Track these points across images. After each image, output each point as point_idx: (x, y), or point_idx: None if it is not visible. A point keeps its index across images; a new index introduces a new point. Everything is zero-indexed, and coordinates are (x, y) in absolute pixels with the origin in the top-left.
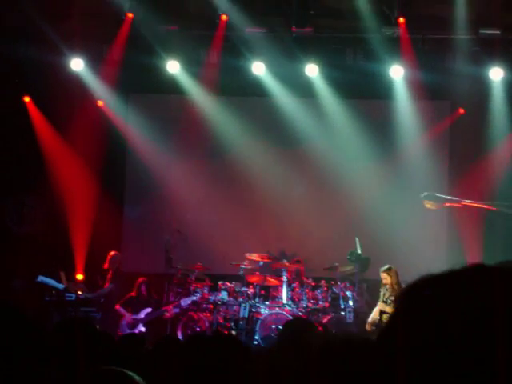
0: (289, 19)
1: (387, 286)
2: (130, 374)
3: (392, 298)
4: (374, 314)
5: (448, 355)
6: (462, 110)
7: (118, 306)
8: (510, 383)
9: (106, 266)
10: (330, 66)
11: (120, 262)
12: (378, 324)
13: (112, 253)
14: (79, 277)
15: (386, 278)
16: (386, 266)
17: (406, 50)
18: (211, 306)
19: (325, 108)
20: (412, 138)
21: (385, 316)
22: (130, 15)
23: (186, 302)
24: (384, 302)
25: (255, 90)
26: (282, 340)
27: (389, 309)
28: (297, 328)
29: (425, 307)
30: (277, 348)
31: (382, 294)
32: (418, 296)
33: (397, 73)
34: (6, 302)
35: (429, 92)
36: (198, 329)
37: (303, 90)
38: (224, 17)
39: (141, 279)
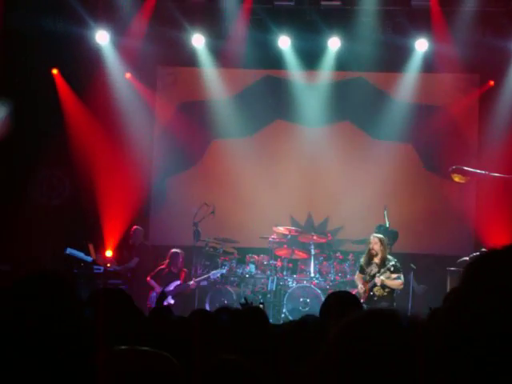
0: None
1: (375, 255)
2: (166, 355)
3: (382, 269)
4: (361, 290)
5: None
6: (492, 83)
7: (148, 278)
8: None
9: (130, 241)
10: (355, 39)
11: (143, 235)
12: (371, 297)
13: (134, 227)
14: (108, 253)
15: (376, 243)
16: (380, 235)
17: (437, 23)
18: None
19: (350, 81)
20: (442, 111)
21: (377, 288)
22: None
23: (215, 274)
24: (374, 274)
25: (280, 63)
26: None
27: (387, 281)
28: (341, 300)
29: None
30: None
31: (370, 266)
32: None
33: (423, 46)
34: (54, 273)
35: (458, 65)
36: (226, 301)
37: (328, 63)
38: None
39: (172, 251)
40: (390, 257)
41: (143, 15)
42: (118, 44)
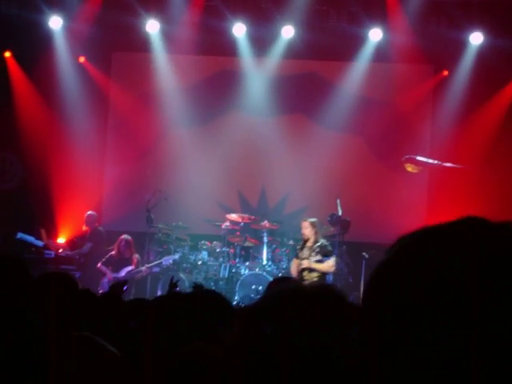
0: None
1: (307, 240)
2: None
3: (313, 253)
4: (295, 273)
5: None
6: (446, 72)
7: (99, 265)
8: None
9: (83, 226)
10: (310, 27)
11: (97, 221)
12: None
13: (88, 212)
14: (61, 239)
15: (306, 228)
16: (313, 218)
17: (391, 13)
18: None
19: (304, 71)
20: (394, 100)
21: (306, 273)
22: None
23: (167, 260)
24: (304, 258)
25: (234, 50)
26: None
27: (313, 264)
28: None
29: (422, 259)
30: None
31: (303, 250)
32: (414, 247)
33: (377, 36)
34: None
35: (412, 56)
36: (178, 288)
37: (282, 51)
38: None
39: (122, 237)
40: (322, 240)
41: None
42: (71, 29)
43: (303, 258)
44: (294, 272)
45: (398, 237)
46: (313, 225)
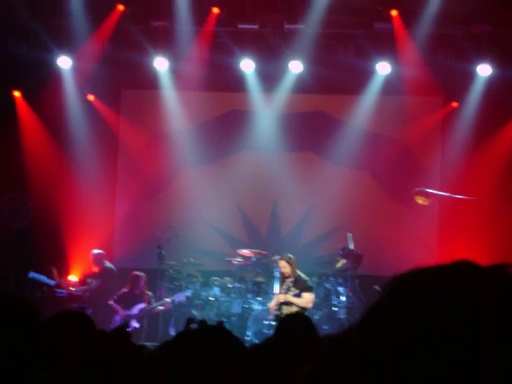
0: (281, 15)
1: (288, 277)
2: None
3: (292, 288)
4: (273, 307)
5: (436, 350)
6: (455, 104)
7: (111, 302)
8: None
9: (91, 265)
10: (318, 62)
11: (104, 258)
12: (278, 316)
13: (94, 252)
14: (73, 277)
15: (285, 267)
16: (288, 255)
17: (399, 46)
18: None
19: (312, 106)
20: (404, 133)
21: (285, 307)
22: (121, 7)
23: (179, 297)
24: (285, 293)
25: (243, 85)
26: (277, 335)
27: (291, 297)
28: (293, 323)
29: (414, 301)
30: (271, 342)
31: (283, 285)
32: (408, 288)
33: (385, 69)
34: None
35: (420, 88)
36: (191, 325)
37: (291, 86)
38: (215, 10)
39: (133, 274)
40: (302, 274)
41: (103, 38)
42: (79, 68)
43: (282, 293)
44: (272, 306)
45: (393, 276)
46: (289, 261)
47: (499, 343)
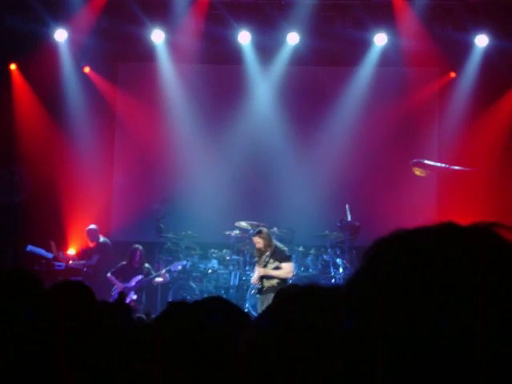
0: None
1: (264, 250)
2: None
3: (271, 260)
4: (255, 281)
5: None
6: (453, 74)
7: (108, 275)
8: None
9: (87, 241)
10: (316, 33)
11: (99, 232)
12: (260, 289)
13: (88, 227)
14: (71, 251)
15: (259, 242)
16: (257, 229)
17: (397, 17)
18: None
19: (309, 77)
20: (401, 104)
21: (266, 280)
22: None
23: (175, 266)
24: (264, 266)
25: (239, 58)
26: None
27: (270, 271)
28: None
29: (398, 261)
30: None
31: (261, 259)
32: (391, 249)
33: (382, 40)
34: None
35: (417, 59)
36: (188, 297)
37: (288, 58)
38: None
39: (136, 247)
40: (279, 245)
41: (98, 10)
42: (75, 41)
43: (261, 266)
44: (254, 280)
45: (375, 240)
46: (262, 236)
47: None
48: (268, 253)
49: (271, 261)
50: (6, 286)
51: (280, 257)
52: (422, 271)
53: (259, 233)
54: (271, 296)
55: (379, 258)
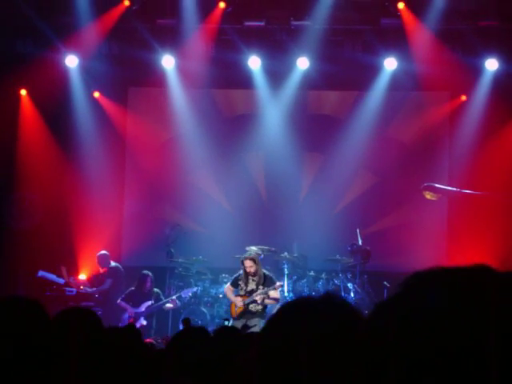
0: (288, 11)
1: (254, 275)
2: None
3: (260, 287)
4: (237, 309)
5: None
6: (464, 97)
7: (119, 301)
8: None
9: (98, 267)
10: (325, 58)
11: (110, 258)
12: (247, 312)
13: (99, 253)
14: (82, 276)
15: (252, 266)
16: (253, 254)
17: (408, 37)
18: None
19: (319, 102)
20: (412, 128)
21: (252, 305)
22: (127, 3)
23: (186, 293)
24: (250, 292)
25: (249, 83)
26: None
27: (267, 301)
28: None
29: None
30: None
31: (248, 283)
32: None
33: (392, 64)
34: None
35: (427, 83)
36: (200, 322)
37: (298, 83)
38: (222, 4)
39: (145, 273)
40: (266, 272)
41: (108, 36)
42: (86, 67)
43: (249, 291)
44: (239, 299)
45: (413, 273)
46: (255, 260)
47: (502, 350)
48: (256, 279)
49: (260, 287)
50: (6, 314)
51: (269, 282)
52: (458, 313)
53: (254, 257)
54: (252, 321)
55: (417, 290)
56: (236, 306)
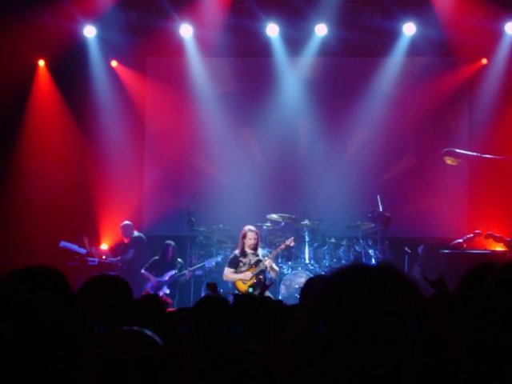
0: None
1: (253, 249)
2: (149, 333)
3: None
4: (248, 282)
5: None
6: (484, 60)
7: (143, 270)
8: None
9: (122, 237)
10: (343, 25)
11: (133, 228)
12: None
13: (122, 223)
14: (104, 246)
15: (256, 238)
16: (252, 228)
17: (425, 6)
18: None
19: (338, 69)
20: (431, 93)
21: (262, 276)
22: None
23: (209, 263)
24: (251, 264)
25: (267, 50)
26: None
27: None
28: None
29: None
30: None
31: (246, 257)
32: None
33: (411, 30)
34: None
35: (446, 47)
36: (222, 290)
37: (316, 50)
38: None
39: (168, 243)
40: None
41: (129, 6)
42: (104, 37)
43: (255, 262)
44: (246, 273)
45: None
46: (258, 235)
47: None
48: (253, 252)
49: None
50: (28, 284)
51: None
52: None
53: (256, 231)
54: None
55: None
56: (244, 280)
